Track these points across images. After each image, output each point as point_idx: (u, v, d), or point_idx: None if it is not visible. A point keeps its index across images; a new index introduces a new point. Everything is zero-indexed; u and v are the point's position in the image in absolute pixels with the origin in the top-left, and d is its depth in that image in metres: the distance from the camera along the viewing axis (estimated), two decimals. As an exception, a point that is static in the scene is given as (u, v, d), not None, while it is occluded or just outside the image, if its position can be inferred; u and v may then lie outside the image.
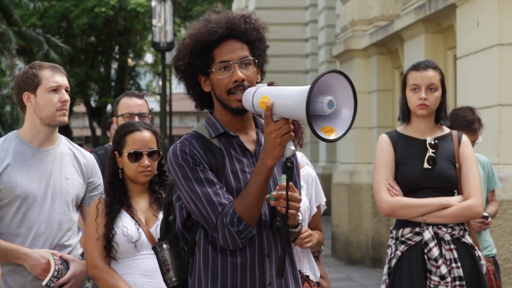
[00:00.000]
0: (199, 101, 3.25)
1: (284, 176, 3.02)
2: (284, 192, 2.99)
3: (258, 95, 3.00)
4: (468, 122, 5.88)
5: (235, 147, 3.15)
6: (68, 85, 4.20)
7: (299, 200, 3.06)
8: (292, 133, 2.95)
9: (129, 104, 5.36)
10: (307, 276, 4.54)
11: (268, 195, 3.03)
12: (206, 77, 3.16)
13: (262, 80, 3.26)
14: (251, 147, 3.18)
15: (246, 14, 3.19)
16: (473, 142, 5.72)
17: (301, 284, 3.32)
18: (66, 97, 4.16)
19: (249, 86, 3.09)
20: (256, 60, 3.17)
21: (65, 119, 4.17)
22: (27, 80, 4.15)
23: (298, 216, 3.16)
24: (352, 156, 13.07)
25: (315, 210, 4.62)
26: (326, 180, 17.24)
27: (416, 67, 4.70)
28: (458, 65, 8.94)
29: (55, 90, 4.14)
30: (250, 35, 3.15)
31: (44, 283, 4.02)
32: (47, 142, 4.20)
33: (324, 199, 4.70)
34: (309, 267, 4.57)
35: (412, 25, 10.57)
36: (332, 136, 2.87)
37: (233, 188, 3.09)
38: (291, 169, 2.99)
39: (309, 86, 2.80)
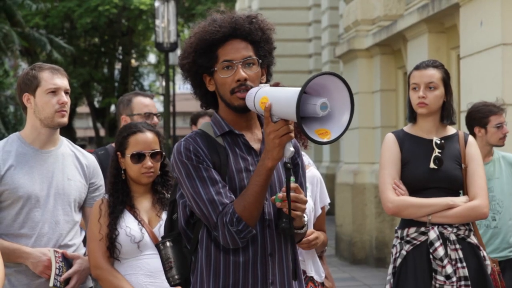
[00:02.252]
0: (204, 101, 3.25)
1: (291, 178, 3.02)
2: (291, 194, 2.99)
3: (259, 96, 2.99)
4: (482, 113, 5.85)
5: (240, 146, 3.16)
6: (67, 87, 4.20)
7: (305, 202, 3.06)
8: (292, 135, 2.93)
9: (146, 103, 5.33)
10: (312, 277, 4.54)
11: (273, 197, 3.04)
12: (210, 77, 3.16)
13: (269, 81, 3.26)
14: (256, 145, 3.18)
15: (252, 14, 3.19)
16: (498, 123, 5.75)
17: (304, 284, 3.32)
18: (65, 99, 4.15)
19: (252, 86, 3.10)
20: (261, 61, 3.16)
21: (64, 120, 4.16)
22: (27, 81, 4.16)
23: (304, 217, 3.16)
24: (356, 156, 13.06)
25: (319, 211, 4.62)
26: (330, 180, 17.23)
27: (418, 66, 4.71)
28: (462, 65, 8.94)
29: (54, 92, 4.13)
30: (255, 35, 3.15)
31: (51, 284, 4.03)
32: (49, 144, 4.20)
33: (328, 200, 4.70)
34: (313, 268, 4.57)
35: (415, 25, 10.56)
36: (326, 139, 2.85)
37: (237, 187, 3.10)
38: (290, 170, 2.99)
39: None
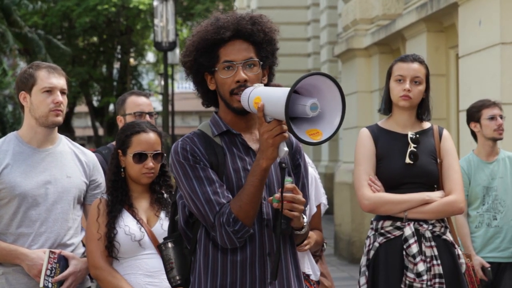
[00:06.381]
0: (205, 99, 3.27)
1: (289, 179, 3.02)
2: (288, 194, 3.00)
3: (252, 96, 2.99)
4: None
5: (238, 146, 3.16)
6: (64, 87, 4.18)
7: (303, 202, 3.05)
8: (286, 135, 2.92)
9: (139, 102, 5.34)
10: (308, 275, 4.53)
11: (271, 197, 3.04)
12: (211, 75, 3.17)
13: (271, 81, 3.26)
14: (255, 146, 3.18)
15: (256, 15, 3.19)
16: (490, 115, 5.80)
17: (304, 284, 3.32)
18: (60, 98, 4.14)
19: None
20: (262, 62, 3.16)
21: (59, 119, 4.15)
22: (24, 79, 4.16)
23: (303, 218, 3.16)
24: (354, 155, 13.05)
25: (314, 209, 4.61)
26: (328, 179, 17.24)
27: (403, 59, 4.69)
28: (460, 64, 8.94)
29: (49, 91, 4.13)
30: (257, 37, 3.15)
31: (41, 285, 4.01)
32: (46, 142, 4.19)
33: (324, 199, 4.69)
34: (309, 266, 4.57)
35: (414, 24, 10.57)
36: (316, 140, 2.83)
37: (234, 186, 3.10)
38: (285, 170, 2.99)
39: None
